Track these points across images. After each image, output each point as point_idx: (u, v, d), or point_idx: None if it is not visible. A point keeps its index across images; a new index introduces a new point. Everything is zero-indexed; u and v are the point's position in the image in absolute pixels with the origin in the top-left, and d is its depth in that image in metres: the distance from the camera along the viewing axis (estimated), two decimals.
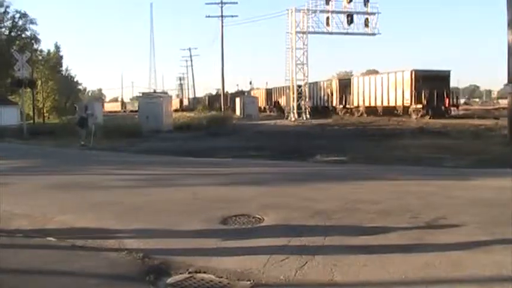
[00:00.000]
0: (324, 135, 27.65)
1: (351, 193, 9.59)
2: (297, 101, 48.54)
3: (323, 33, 49.03)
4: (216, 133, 30.92)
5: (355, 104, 50.63)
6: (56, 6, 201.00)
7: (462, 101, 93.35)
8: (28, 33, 63.85)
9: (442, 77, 43.62)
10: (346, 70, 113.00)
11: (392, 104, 45.57)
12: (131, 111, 79.15)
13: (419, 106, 42.26)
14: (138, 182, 11.96)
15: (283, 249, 5.92)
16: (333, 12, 47.80)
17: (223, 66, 60.10)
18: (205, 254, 5.89)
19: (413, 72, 43.24)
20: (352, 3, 47.61)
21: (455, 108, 44.69)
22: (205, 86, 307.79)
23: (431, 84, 41.62)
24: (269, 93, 70.20)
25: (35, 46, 62.95)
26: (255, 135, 29.32)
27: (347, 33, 49.13)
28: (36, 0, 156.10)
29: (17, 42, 62.06)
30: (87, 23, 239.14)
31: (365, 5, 47.91)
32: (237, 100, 61.83)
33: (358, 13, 48.15)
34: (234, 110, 60.25)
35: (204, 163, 16.38)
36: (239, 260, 5.63)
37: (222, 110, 57.25)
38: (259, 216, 7.66)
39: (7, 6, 62.54)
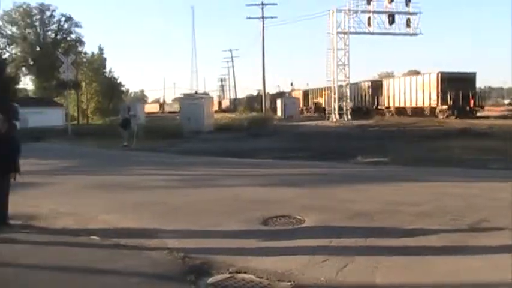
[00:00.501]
0: (365, 137, 27.37)
1: (391, 195, 9.50)
2: (338, 101, 48.20)
3: (364, 33, 48.50)
4: (257, 134, 30.82)
5: (386, 105, 51.56)
6: (100, 8, 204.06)
7: (507, 101, 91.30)
8: (73, 36, 65.76)
9: (468, 79, 44.27)
10: (387, 70, 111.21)
11: (420, 104, 46.50)
12: (169, 112, 79.89)
13: (445, 107, 42.99)
14: (179, 183, 12.10)
15: (324, 250, 5.92)
16: (374, 12, 47.25)
17: (264, 67, 60.04)
18: (246, 254, 5.93)
19: (439, 74, 44.21)
20: (393, 3, 46.97)
21: (480, 109, 44.92)
22: (246, 86, 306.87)
23: (457, 86, 42.42)
24: (306, 94, 70.09)
25: (80, 48, 64.76)
26: (295, 136, 29.19)
27: (388, 34, 48.58)
28: (80, 3, 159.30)
29: (62, 45, 63.84)
30: (130, 25, 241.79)
31: (407, 5, 47.24)
32: (278, 101, 61.60)
33: (399, 13, 47.52)
34: (274, 111, 60.09)
35: (245, 164, 16.43)
36: (279, 260, 5.65)
37: (263, 111, 57.24)
38: (300, 217, 7.67)
39: (53, 10, 64.63)
